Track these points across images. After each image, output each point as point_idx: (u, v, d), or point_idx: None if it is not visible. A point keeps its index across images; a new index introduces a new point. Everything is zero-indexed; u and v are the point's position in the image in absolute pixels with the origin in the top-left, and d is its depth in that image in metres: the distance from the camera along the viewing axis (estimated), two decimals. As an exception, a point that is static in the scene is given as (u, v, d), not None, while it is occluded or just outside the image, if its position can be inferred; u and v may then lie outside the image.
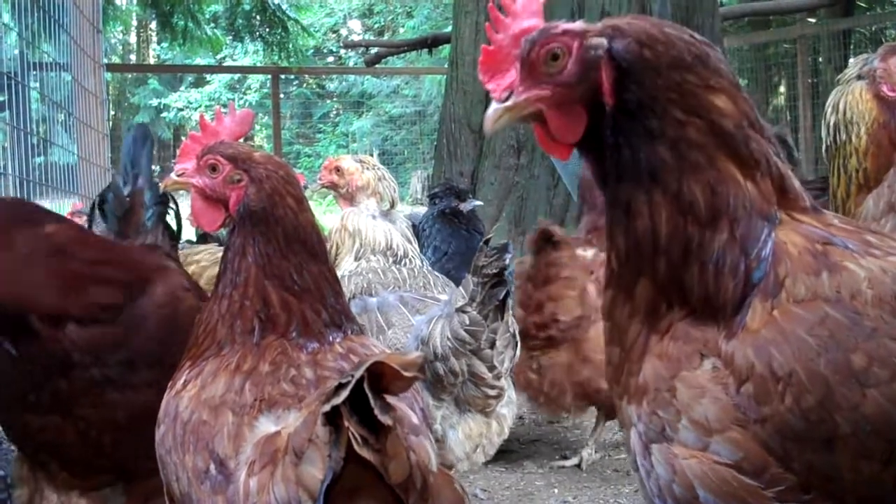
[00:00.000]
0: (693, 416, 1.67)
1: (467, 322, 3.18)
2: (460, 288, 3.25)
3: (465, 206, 5.55)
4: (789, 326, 1.65)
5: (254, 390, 2.06)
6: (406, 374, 1.62)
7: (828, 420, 1.58)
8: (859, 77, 3.21)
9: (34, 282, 2.55)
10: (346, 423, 1.64)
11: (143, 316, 2.69)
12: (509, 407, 3.45)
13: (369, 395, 1.61)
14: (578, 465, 4.51)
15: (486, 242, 3.17)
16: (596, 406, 4.59)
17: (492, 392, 3.31)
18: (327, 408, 1.65)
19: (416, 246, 3.89)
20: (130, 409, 2.65)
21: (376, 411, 1.61)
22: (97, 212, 3.40)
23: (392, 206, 3.90)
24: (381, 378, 1.63)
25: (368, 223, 3.80)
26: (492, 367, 3.26)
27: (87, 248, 2.71)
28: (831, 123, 3.14)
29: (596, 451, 4.62)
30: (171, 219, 3.40)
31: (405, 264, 3.73)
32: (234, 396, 2.05)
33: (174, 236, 3.38)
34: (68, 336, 2.58)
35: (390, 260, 3.72)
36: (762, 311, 1.68)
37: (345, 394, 1.62)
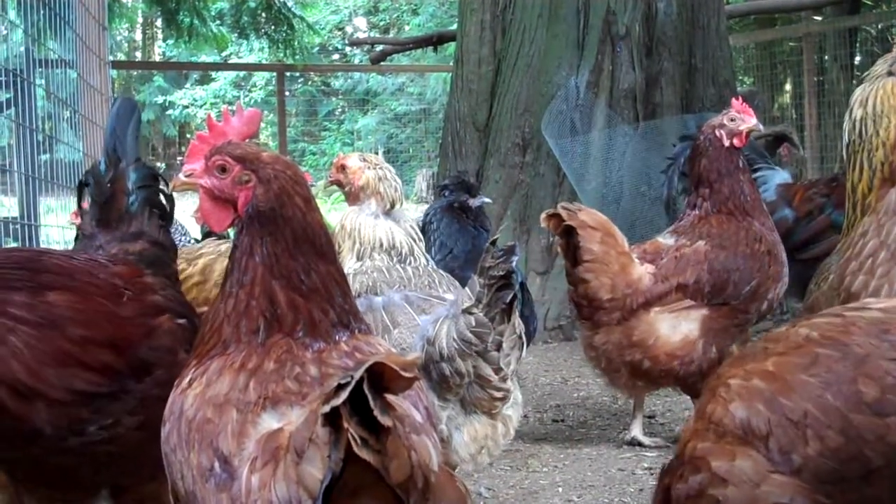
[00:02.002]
0: (735, 479, 1.73)
1: (473, 324, 3.16)
2: (466, 289, 3.24)
3: (474, 202, 5.51)
4: (788, 375, 1.68)
5: (258, 388, 2.06)
6: (406, 374, 1.62)
7: (858, 456, 1.61)
8: (890, 73, 3.21)
9: (10, 352, 2.38)
10: (346, 425, 1.63)
11: (124, 390, 2.57)
12: (515, 408, 3.43)
13: (369, 395, 1.60)
14: (632, 442, 4.81)
15: (493, 243, 3.16)
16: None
17: (497, 394, 3.30)
18: (327, 409, 1.64)
19: (423, 245, 3.87)
20: (118, 453, 2.56)
21: (376, 412, 1.61)
22: (85, 196, 3.23)
23: (392, 206, 3.86)
24: (382, 378, 1.63)
25: (367, 222, 3.77)
26: (498, 370, 3.25)
27: (81, 325, 2.51)
28: (857, 118, 3.13)
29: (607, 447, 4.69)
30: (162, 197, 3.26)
31: (410, 262, 3.72)
32: (238, 394, 2.05)
33: (165, 216, 3.26)
34: (38, 413, 2.41)
35: (395, 259, 3.71)
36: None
37: (344, 395, 1.61)
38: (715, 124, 4.80)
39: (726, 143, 4.74)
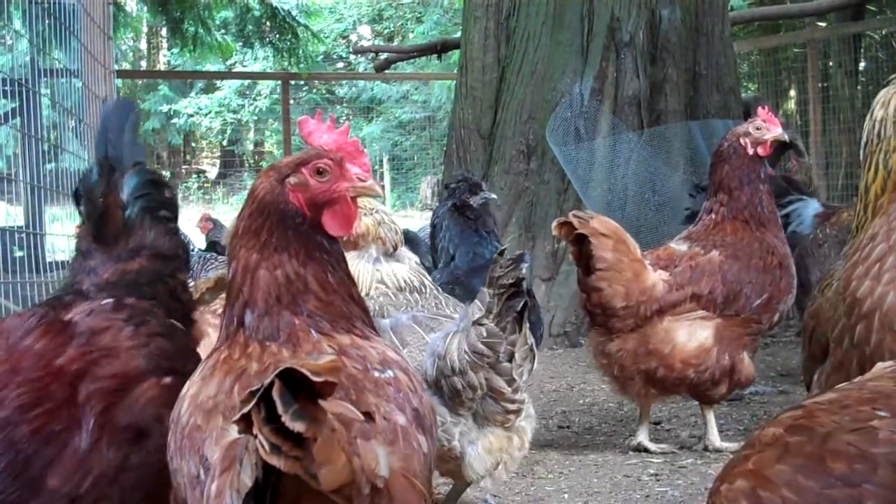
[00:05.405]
0: None
1: (485, 334, 3.14)
2: (476, 301, 3.22)
3: (474, 200, 5.44)
4: (766, 469, 1.76)
5: (241, 393, 2.05)
6: (318, 378, 1.58)
7: None
8: None
9: None
10: (255, 431, 1.59)
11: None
12: (529, 421, 3.42)
13: (277, 402, 1.57)
14: (638, 448, 4.77)
15: (501, 253, 3.15)
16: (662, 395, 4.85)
17: (511, 406, 3.27)
18: (237, 416, 1.61)
19: (430, 282, 3.82)
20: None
21: (285, 418, 1.56)
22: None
23: (395, 248, 3.81)
24: (308, 383, 1.59)
25: (366, 268, 3.72)
26: (511, 381, 3.22)
27: None
28: (878, 118, 3.14)
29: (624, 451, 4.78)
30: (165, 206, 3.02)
31: (423, 292, 3.69)
32: (224, 398, 2.05)
33: (170, 218, 3.03)
34: None
35: (407, 290, 3.68)
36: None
37: (254, 401, 1.58)
38: (740, 132, 4.80)
39: (750, 151, 4.74)
